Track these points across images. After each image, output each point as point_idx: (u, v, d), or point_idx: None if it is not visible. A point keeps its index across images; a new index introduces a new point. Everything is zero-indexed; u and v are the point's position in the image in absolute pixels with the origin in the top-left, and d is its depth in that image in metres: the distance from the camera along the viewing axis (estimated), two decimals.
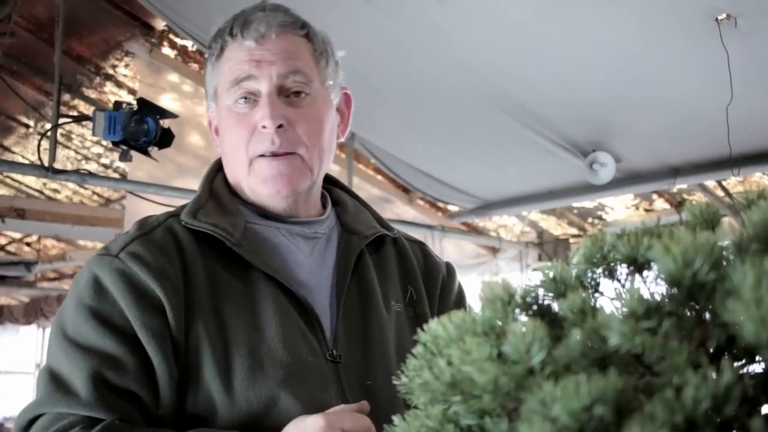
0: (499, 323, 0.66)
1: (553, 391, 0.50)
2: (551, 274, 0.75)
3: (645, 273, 0.72)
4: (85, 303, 1.22)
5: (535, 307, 0.70)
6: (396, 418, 0.62)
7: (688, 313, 0.56)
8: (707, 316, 0.57)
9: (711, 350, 0.56)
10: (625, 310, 0.55)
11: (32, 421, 1.19)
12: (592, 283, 0.76)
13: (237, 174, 1.38)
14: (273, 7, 1.37)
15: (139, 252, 1.24)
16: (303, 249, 1.38)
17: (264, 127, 1.30)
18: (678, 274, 0.55)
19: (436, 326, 0.69)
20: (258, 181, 1.34)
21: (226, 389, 1.19)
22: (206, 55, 1.42)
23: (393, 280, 1.44)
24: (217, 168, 1.45)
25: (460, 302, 1.51)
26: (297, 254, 1.36)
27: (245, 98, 1.32)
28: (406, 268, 1.48)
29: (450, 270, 1.56)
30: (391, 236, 1.49)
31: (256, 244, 1.32)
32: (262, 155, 1.32)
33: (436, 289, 1.50)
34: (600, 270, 0.75)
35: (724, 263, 0.56)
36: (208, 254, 1.29)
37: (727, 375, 0.49)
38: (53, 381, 1.18)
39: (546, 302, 0.71)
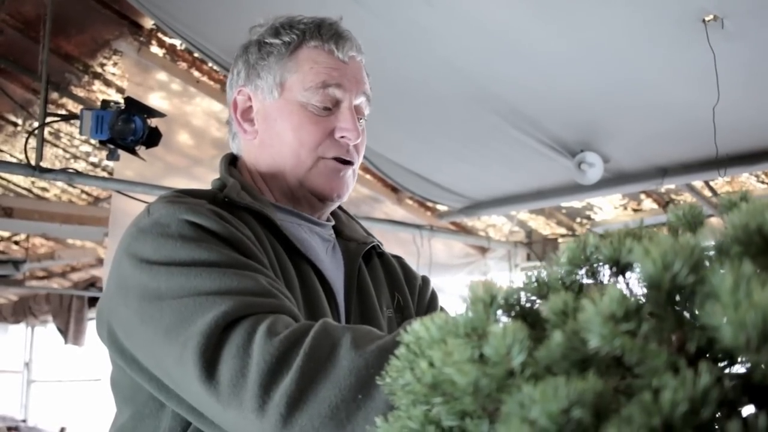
0: (482, 325, 0.65)
1: (532, 393, 0.50)
2: (534, 276, 0.76)
3: (628, 275, 0.73)
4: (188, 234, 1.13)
5: (517, 309, 0.70)
6: (378, 420, 0.62)
7: (668, 316, 0.56)
8: (687, 318, 0.57)
9: (691, 352, 0.56)
10: (605, 312, 0.54)
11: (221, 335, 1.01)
12: (576, 284, 0.76)
13: (292, 166, 1.39)
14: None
15: (216, 210, 1.21)
16: (322, 248, 1.42)
17: (343, 137, 1.37)
18: (657, 277, 0.55)
19: (418, 327, 0.68)
20: (321, 179, 1.38)
21: None
22: (262, 39, 1.42)
23: (383, 287, 1.49)
24: (230, 161, 1.46)
25: (433, 307, 1.57)
26: (319, 251, 1.40)
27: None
28: (392, 277, 1.53)
29: (425, 280, 1.62)
30: (379, 247, 1.54)
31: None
32: (333, 158, 1.38)
33: (414, 296, 1.55)
34: (583, 271, 0.75)
35: (704, 266, 0.56)
36: (257, 230, 1.28)
37: (704, 378, 0.49)
38: (232, 292, 1.05)
39: (529, 304, 0.71)
